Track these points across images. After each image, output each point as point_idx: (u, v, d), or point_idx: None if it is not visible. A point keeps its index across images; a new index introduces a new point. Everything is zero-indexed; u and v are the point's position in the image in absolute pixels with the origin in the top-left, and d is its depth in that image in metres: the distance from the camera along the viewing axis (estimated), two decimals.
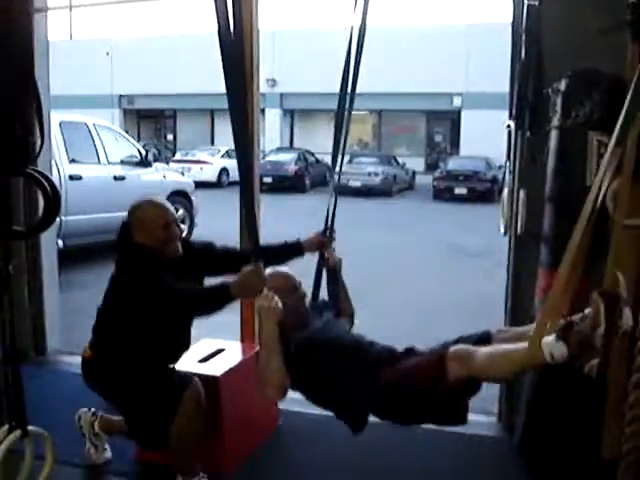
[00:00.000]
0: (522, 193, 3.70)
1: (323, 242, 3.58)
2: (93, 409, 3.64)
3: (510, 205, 3.82)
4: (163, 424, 3.14)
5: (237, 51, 2.67)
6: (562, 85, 3.40)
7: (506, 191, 3.91)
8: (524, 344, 2.54)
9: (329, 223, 3.62)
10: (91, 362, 3.25)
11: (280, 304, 2.94)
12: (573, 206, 3.31)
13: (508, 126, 3.85)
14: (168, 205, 3.30)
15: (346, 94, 3.58)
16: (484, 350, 2.63)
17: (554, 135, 3.43)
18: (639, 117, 2.34)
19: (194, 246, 3.47)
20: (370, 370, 2.87)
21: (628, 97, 2.35)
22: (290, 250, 3.58)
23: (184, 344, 3.41)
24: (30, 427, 2.66)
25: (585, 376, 3.30)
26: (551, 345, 2.39)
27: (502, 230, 3.94)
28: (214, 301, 2.94)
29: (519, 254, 3.89)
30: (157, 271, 3.02)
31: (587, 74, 3.36)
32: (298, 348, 2.98)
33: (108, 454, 3.64)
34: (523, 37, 3.71)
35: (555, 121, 3.41)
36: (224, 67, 2.57)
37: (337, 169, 3.70)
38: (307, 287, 3.35)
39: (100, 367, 3.23)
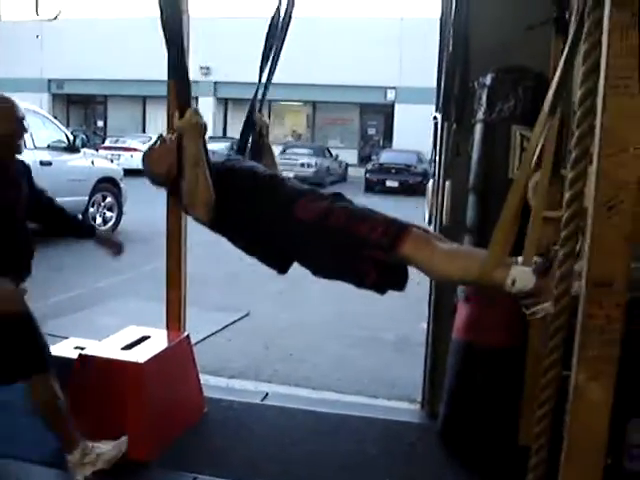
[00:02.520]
0: (447, 184, 3.76)
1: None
2: None
3: (435, 195, 3.88)
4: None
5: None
6: (488, 79, 3.47)
7: (431, 182, 3.97)
8: (484, 253, 2.54)
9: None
10: None
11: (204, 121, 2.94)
12: (496, 197, 3.41)
13: (435, 118, 3.91)
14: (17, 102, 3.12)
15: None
16: (445, 244, 2.64)
17: (479, 128, 3.50)
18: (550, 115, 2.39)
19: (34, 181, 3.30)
20: (285, 204, 2.83)
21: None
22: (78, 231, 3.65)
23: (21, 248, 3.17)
24: None
25: (505, 365, 3.42)
26: (521, 273, 2.41)
27: (426, 220, 4.01)
28: None
29: None
30: None
31: (512, 70, 3.44)
32: (214, 174, 2.92)
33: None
34: (451, 31, 3.77)
35: (480, 114, 3.48)
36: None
37: None
38: None
39: None
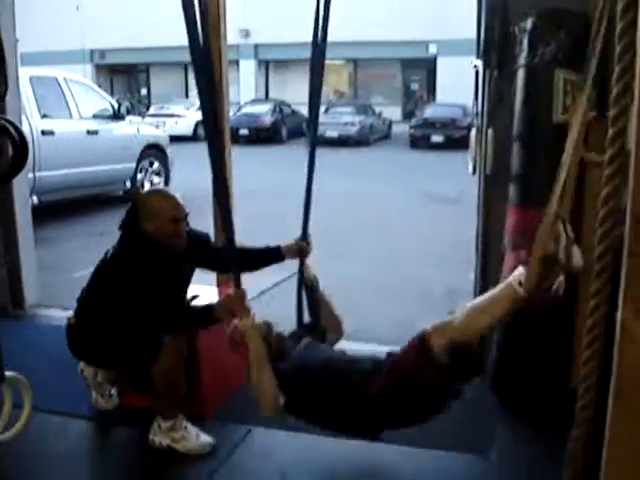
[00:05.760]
0: (490, 132, 3.71)
1: (302, 248, 3.52)
2: None
3: (478, 145, 3.83)
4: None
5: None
6: (528, 24, 3.40)
7: (474, 131, 3.92)
8: (496, 291, 2.65)
9: (306, 229, 3.55)
10: (75, 330, 3.29)
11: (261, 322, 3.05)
12: (540, 143, 3.37)
13: (475, 66, 3.85)
14: (179, 199, 3.25)
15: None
16: (459, 313, 2.69)
17: (521, 74, 3.43)
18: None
19: (194, 239, 3.40)
20: (358, 390, 2.84)
21: None
22: (270, 256, 3.58)
23: None
24: (7, 372, 2.68)
25: (556, 312, 3.40)
26: (518, 274, 2.50)
27: (470, 170, 3.97)
28: (198, 321, 3.14)
29: (488, 193, 3.90)
30: (152, 272, 3.04)
31: (553, 13, 3.36)
32: (283, 379, 2.97)
33: (115, 400, 3.71)
34: None
35: (522, 60, 3.42)
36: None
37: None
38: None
39: (84, 336, 3.27)
